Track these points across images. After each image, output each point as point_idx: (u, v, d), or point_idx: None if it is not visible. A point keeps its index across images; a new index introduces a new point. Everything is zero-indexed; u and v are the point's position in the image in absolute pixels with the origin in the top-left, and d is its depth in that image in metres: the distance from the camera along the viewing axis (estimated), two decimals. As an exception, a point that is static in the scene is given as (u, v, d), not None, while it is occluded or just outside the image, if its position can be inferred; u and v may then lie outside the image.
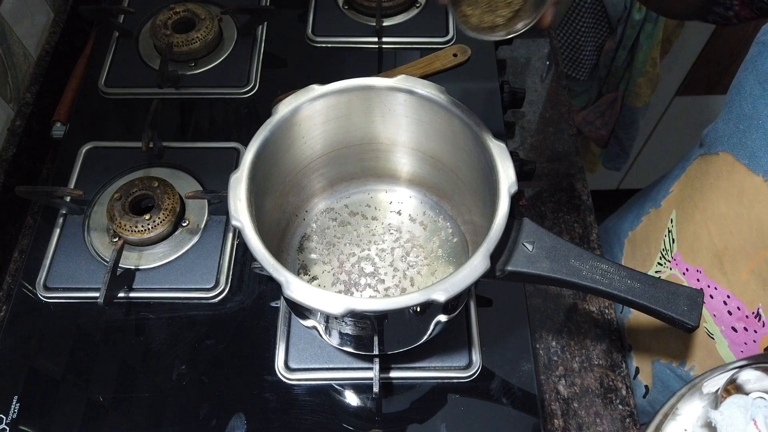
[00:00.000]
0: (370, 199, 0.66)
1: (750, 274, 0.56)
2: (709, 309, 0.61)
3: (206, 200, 0.69)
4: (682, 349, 0.65)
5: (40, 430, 0.58)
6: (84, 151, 0.74)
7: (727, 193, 0.57)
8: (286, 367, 0.60)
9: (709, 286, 0.60)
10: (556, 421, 0.63)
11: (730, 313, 0.59)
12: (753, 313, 0.57)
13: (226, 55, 0.83)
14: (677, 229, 0.65)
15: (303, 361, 0.61)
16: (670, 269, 0.65)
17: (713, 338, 0.61)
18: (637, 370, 0.68)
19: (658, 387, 0.69)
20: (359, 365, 0.61)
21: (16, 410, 0.58)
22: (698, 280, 0.61)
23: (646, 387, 0.70)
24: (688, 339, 0.64)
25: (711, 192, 0.60)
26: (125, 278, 0.65)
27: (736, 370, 0.48)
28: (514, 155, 0.67)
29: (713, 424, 0.44)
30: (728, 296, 0.58)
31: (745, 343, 0.58)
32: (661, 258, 0.67)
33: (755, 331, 0.57)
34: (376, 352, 0.56)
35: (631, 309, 0.69)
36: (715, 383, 0.48)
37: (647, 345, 0.69)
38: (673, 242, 0.65)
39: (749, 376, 0.47)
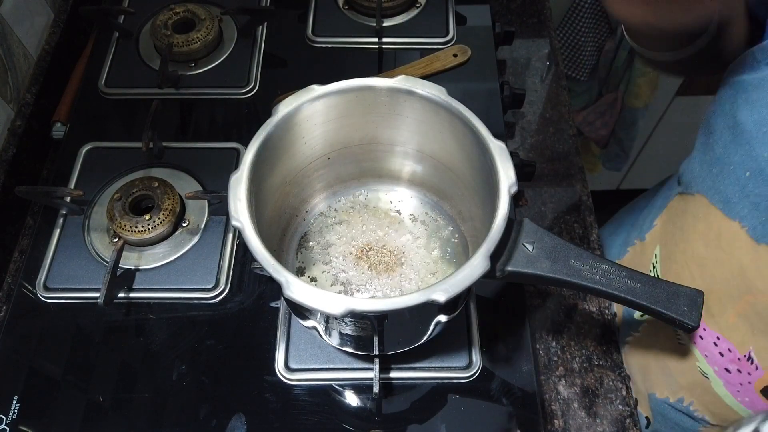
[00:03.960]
0: (370, 199, 0.66)
1: (737, 317, 0.55)
2: (700, 349, 0.60)
3: (206, 200, 0.69)
4: (674, 385, 0.64)
5: (40, 430, 0.58)
6: (84, 151, 0.74)
7: (705, 236, 0.56)
8: (286, 367, 0.60)
9: None
10: (556, 421, 0.63)
11: (721, 354, 0.57)
12: (745, 356, 0.55)
13: (226, 55, 0.83)
14: (661, 266, 0.64)
15: (303, 362, 0.61)
16: None
17: (708, 377, 0.60)
18: (636, 401, 0.67)
19: (659, 419, 0.68)
20: (359, 365, 0.61)
21: (16, 410, 0.58)
22: None
23: (647, 419, 0.69)
24: (680, 376, 0.63)
25: (690, 233, 0.59)
26: (125, 278, 0.65)
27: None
28: (514, 155, 0.67)
29: None
30: (718, 338, 0.57)
31: (740, 384, 0.57)
32: None
33: (749, 374, 0.56)
34: (376, 352, 0.56)
35: (626, 340, 0.69)
36: None
37: (641, 378, 0.68)
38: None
39: None
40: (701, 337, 0.59)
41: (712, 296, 0.56)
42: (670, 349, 0.64)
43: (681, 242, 0.61)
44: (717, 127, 0.54)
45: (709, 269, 0.57)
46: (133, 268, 0.66)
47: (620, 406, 0.64)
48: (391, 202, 0.66)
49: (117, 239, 0.66)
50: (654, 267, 0.66)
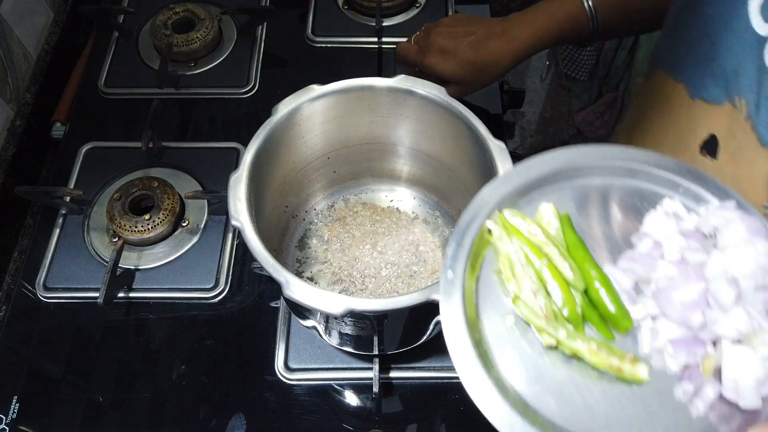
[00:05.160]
0: (369, 199, 0.66)
1: None
2: None
3: (206, 200, 0.69)
4: None
5: (40, 430, 0.58)
6: (84, 151, 0.74)
7: (658, 102, 0.59)
8: (286, 367, 0.60)
9: None
10: (555, 421, 0.63)
11: None
12: None
13: (225, 55, 0.83)
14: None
15: (303, 361, 0.61)
16: None
17: None
18: None
19: None
20: (359, 365, 0.61)
21: (15, 410, 0.58)
22: None
23: None
24: None
25: (646, 107, 0.62)
26: (125, 278, 0.65)
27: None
28: (514, 155, 0.67)
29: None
30: None
31: None
32: None
33: None
34: (375, 352, 0.56)
35: None
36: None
37: None
38: None
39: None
40: None
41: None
42: None
43: (638, 120, 0.63)
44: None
45: (654, 135, 0.59)
46: (132, 267, 0.66)
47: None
48: (391, 202, 0.66)
49: (117, 239, 0.66)
50: None
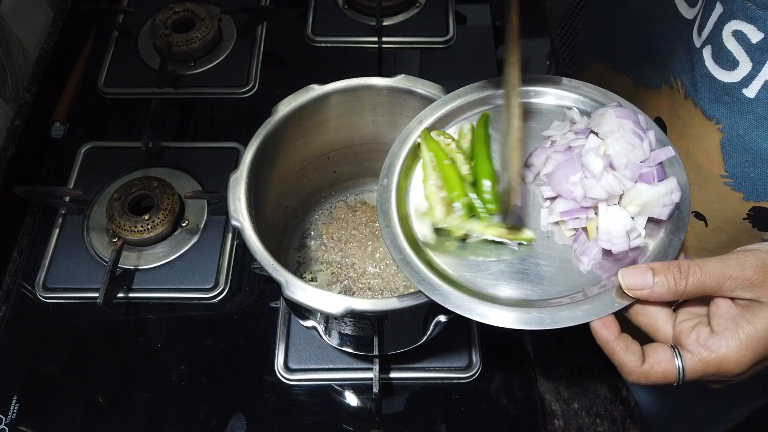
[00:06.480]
0: (369, 199, 0.66)
1: None
2: None
3: (206, 200, 0.69)
4: None
5: (39, 431, 0.58)
6: (83, 151, 0.74)
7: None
8: (286, 367, 0.60)
9: None
10: (556, 421, 0.63)
11: None
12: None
13: (225, 54, 0.83)
14: None
15: (303, 362, 0.61)
16: None
17: None
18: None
19: None
20: (359, 366, 0.61)
21: (15, 410, 0.58)
22: None
23: None
24: None
25: None
26: (124, 278, 0.65)
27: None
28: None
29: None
30: None
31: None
32: None
33: None
34: (376, 352, 0.56)
35: None
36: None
37: None
38: None
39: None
40: None
41: None
42: None
43: None
44: None
45: None
46: (132, 267, 0.66)
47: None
48: (391, 202, 0.66)
49: (116, 239, 0.66)
50: None
